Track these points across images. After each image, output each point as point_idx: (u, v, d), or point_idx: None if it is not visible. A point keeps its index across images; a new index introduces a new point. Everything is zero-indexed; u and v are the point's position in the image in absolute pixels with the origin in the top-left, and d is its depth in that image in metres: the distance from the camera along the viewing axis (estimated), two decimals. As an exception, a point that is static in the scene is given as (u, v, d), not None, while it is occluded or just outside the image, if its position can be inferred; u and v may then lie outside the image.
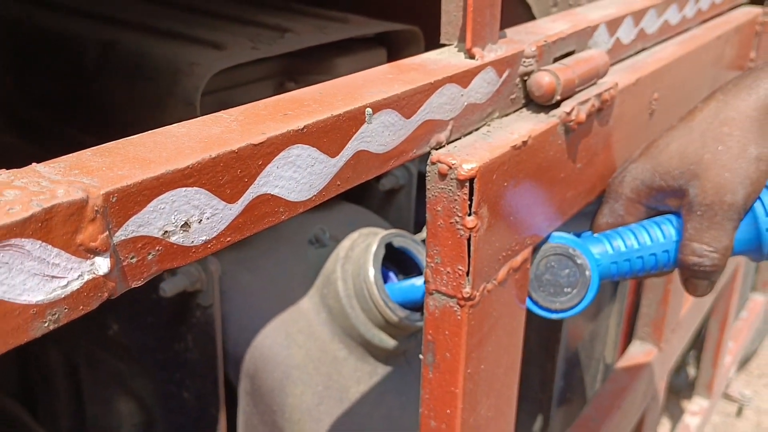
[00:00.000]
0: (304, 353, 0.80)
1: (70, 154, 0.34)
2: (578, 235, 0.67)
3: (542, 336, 1.06)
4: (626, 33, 0.76)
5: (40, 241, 0.29)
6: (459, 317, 0.55)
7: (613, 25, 0.73)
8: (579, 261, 0.63)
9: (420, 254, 0.86)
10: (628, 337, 1.23)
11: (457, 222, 0.52)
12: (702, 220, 0.61)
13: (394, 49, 0.94)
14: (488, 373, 0.61)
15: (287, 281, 0.85)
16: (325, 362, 0.80)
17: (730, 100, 0.63)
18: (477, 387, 0.59)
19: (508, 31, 0.63)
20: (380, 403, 0.82)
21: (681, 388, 2.25)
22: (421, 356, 0.60)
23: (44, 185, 0.31)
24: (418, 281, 0.82)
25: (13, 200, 0.29)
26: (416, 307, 0.83)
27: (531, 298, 0.64)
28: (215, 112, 0.41)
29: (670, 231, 0.64)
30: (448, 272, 0.54)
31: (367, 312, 0.80)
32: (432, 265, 0.55)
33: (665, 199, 0.65)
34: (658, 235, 0.65)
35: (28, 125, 0.86)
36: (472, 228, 0.52)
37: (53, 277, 0.30)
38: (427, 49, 0.91)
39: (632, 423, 1.14)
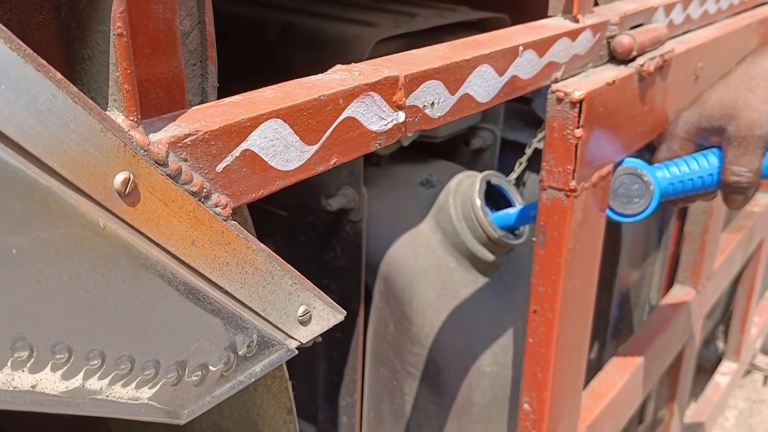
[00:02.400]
0: (426, 262, 1.04)
1: (368, 61, 0.58)
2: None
3: (601, 271, 1.29)
4: (677, 15, 0.99)
5: (379, 95, 0.53)
6: (566, 205, 0.79)
7: (669, 8, 0.96)
8: (645, 178, 0.86)
9: (511, 191, 1.10)
10: (670, 283, 1.46)
11: (568, 133, 0.76)
12: (738, 149, 0.84)
13: (486, 31, 1.18)
14: (581, 253, 0.84)
15: (407, 210, 1.09)
16: (441, 270, 1.04)
17: (758, 61, 0.87)
18: (574, 261, 0.83)
19: (595, 9, 0.87)
20: (482, 304, 1.06)
21: (710, 360, 2.45)
22: (533, 239, 0.83)
23: (371, 70, 0.55)
24: (511, 210, 1.06)
25: (364, 74, 0.53)
26: (508, 230, 1.06)
27: (609, 207, 0.87)
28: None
29: (714, 160, 0.87)
30: (559, 171, 0.78)
31: (473, 231, 1.04)
32: (547, 167, 0.79)
33: (709, 137, 0.88)
34: (704, 163, 0.88)
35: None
36: (579, 137, 0.76)
37: (382, 118, 0.54)
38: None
39: (674, 352, 1.36)
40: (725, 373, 2.01)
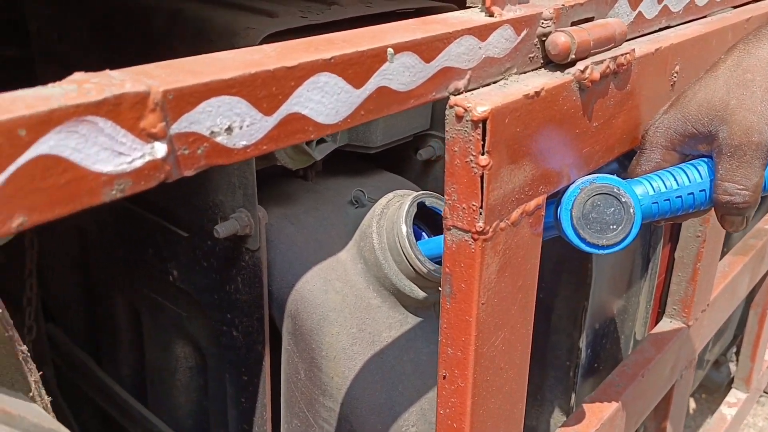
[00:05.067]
0: (340, 299, 0.87)
1: (137, 66, 0.42)
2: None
3: (569, 305, 1.11)
4: (648, 8, 0.81)
5: (110, 121, 0.37)
6: (473, 250, 0.61)
7: (636, -2, 0.78)
8: (623, 199, 0.68)
9: (452, 215, 0.92)
10: (659, 316, 1.27)
11: (471, 161, 0.58)
12: (732, 160, 0.67)
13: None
14: (501, 307, 0.67)
15: (327, 235, 0.92)
16: (360, 308, 0.87)
17: (751, 49, 0.69)
18: (490, 318, 0.65)
19: (533, -1, 0.69)
20: (409, 349, 0.89)
21: (722, 384, 2.24)
22: (440, 288, 0.66)
23: (115, 82, 0.38)
24: (448, 238, 0.88)
25: (90, 88, 0.37)
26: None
27: (579, 236, 0.69)
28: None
29: (706, 171, 0.70)
30: (464, 208, 0.61)
31: (399, 264, 0.87)
32: (450, 202, 0.62)
33: (697, 145, 0.71)
34: (695, 176, 0.70)
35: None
36: (485, 166, 0.58)
37: (120, 153, 0.37)
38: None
39: (658, 396, 1.17)
40: (733, 404, 1.80)
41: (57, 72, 1.06)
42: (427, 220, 0.94)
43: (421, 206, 0.90)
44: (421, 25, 0.57)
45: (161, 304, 1.06)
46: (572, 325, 1.10)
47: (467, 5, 0.65)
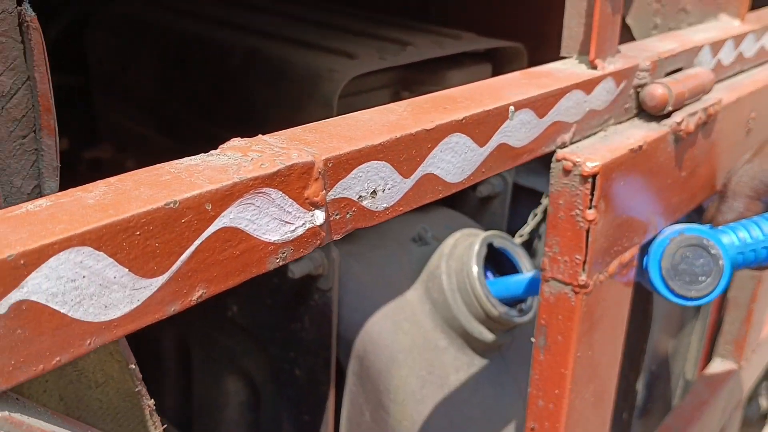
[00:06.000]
0: (409, 340, 0.86)
1: (285, 130, 0.42)
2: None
3: (628, 346, 1.10)
4: (727, 55, 0.81)
5: (281, 192, 0.36)
6: (573, 303, 0.61)
7: (716, 46, 0.78)
8: (713, 251, 0.67)
9: (517, 255, 0.92)
10: (709, 355, 1.26)
11: (577, 214, 0.58)
12: None
13: (499, 64, 1.01)
14: (594, 360, 0.66)
15: (393, 273, 0.92)
16: (428, 350, 0.87)
17: None
18: (584, 371, 0.65)
19: (622, 47, 0.69)
20: (477, 392, 0.88)
21: (753, 419, 2.22)
22: (532, 339, 0.65)
23: (277, 150, 0.38)
24: (518, 278, 0.88)
25: (260, 159, 0.36)
26: (513, 302, 0.89)
27: (668, 287, 0.68)
28: (346, 114, 0.47)
29: None
30: (566, 261, 0.60)
31: (469, 305, 0.86)
32: (550, 254, 0.61)
33: None
34: None
35: (167, 121, 0.96)
36: (592, 220, 0.58)
37: (286, 222, 0.37)
38: (529, 64, 0.98)
39: (711, 437, 1.16)
40: (768, 441, 1.79)
41: (118, 103, 1.06)
42: (491, 260, 0.93)
43: (489, 246, 0.90)
44: (531, 80, 0.57)
45: (214, 337, 1.05)
46: (629, 366, 1.09)
47: (561, 56, 0.65)
